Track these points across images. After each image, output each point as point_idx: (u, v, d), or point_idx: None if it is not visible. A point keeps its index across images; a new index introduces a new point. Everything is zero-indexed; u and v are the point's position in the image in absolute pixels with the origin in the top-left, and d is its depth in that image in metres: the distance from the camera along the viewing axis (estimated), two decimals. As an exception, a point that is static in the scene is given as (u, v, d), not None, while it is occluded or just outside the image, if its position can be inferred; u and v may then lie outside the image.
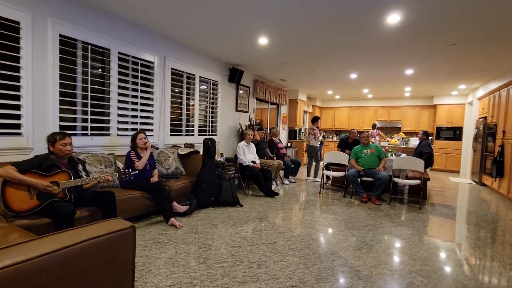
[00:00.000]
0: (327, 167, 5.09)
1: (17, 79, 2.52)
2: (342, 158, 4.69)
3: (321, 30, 3.44)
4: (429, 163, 4.79)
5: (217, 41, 4.07)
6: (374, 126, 8.12)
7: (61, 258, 0.86)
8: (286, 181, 5.41)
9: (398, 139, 7.76)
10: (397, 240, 2.77)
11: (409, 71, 5.41)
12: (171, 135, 4.26)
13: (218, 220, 3.13)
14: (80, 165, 2.38)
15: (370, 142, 4.64)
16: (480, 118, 6.54)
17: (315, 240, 2.70)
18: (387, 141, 7.74)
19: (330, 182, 5.53)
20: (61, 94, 2.85)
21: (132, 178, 2.59)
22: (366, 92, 8.13)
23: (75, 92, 3.02)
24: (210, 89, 5.03)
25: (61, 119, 2.87)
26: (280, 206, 3.80)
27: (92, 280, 0.94)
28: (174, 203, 3.08)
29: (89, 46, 3.07)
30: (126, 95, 3.55)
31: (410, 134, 8.78)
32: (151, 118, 3.91)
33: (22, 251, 0.83)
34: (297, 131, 8.27)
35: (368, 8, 2.83)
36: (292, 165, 5.48)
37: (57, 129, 2.78)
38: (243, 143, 4.57)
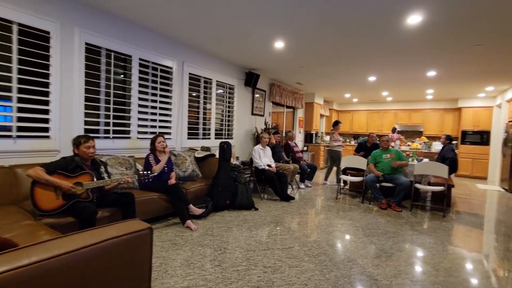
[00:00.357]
0: (345, 171, 4.98)
1: (47, 85, 2.68)
2: (360, 162, 4.57)
3: (338, 33, 3.40)
4: (452, 168, 4.56)
5: (233, 46, 4.12)
6: (394, 130, 7.86)
7: (83, 256, 0.90)
8: (302, 185, 5.35)
9: (419, 144, 7.46)
10: (419, 249, 2.64)
11: (431, 73, 5.20)
12: (188, 138, 4.34)
13: (233, 223, 3.14)
14: (102, 167, 2.48)
15: (390, 147, 4.50)
16: (510, 121, 6.16)
17: (332, 247, 2.64)
18: (408, 145, 7.46)
19: (347, 187, 5.40)
20: (86, 99, 2.99)
21: (150, 180, 2.66)
22: (386, 94, 7.90)
23: (98, 97, 3.17)
24: (226, 93, 5.09)
25: (86, 122, 3.02)
26: (295, 211, 3.76)
27: (112, 279, 0.97)
28: (191, 205, 3.13)
29: (112, 53, 3.22)
30: (146, 100, 3.67)
31: (433, 138, 8.42)
32: (169, 122, 4.01)
33: (48, 248, 0.87)
34: (314, 135, 8.17)
35: (387, 9, 2.76)
36: (308, 169, 5.40)
37: (82, 132, 2.92)
38: (258, 146, 4.58)
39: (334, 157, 5.75)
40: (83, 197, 2.20)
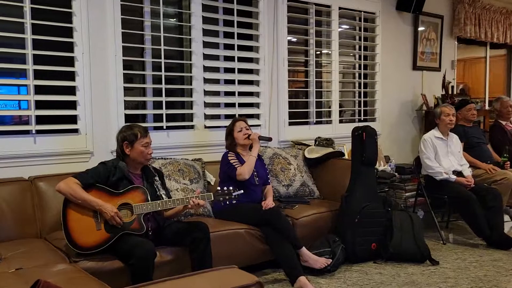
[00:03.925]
0: None
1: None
2: None
3: None
4: None
5: None
6: None
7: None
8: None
9: None
10: None
11: None
12: (290, 124, 4.52)
13: (388, 288, 3.12)
14: (157, 178, 2.84)
15: None
16: None
17: None
18: None
19: None
20: (124, 65, 3.53)
21: (234, 202, 2.90)
22: None
23: (142, 59, 3.69)
24: (359, 30, 5.06)
25: (126, 104, 3.55)
26: (527, 271, 3.43)
27: None
28: (303, 249, 3.25)
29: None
30: (216, 58, 4.01)
31: None
32: (256, 95, 4.27)
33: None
34: None
35: None
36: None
37: (122, 121, 3.45)
38: (433, 134, 4.38)
39: None
40: (132, 228, 2.59)
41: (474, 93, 7.06)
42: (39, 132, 3.20)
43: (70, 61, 3.31)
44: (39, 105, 3.21)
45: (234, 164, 3.37)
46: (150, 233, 2.67)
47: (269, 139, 3.57)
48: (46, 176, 3.07)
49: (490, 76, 6.95)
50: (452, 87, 5.82)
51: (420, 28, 5.56)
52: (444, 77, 5.77)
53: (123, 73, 3.51)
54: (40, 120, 3.22)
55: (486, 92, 6.86)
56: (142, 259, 2.41)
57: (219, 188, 2.91)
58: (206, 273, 1.26)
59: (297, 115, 4.69)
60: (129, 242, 2.50)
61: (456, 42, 6.08)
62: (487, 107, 6.35)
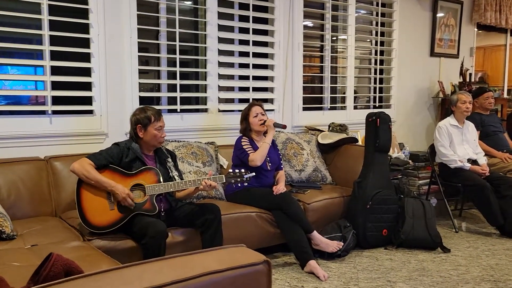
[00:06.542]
0: None
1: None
2: None
3: None
4: None
5: None
6: None
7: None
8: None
9: None
10: None
11: None
12: (304, 109, 4.53)
13: (398, 275, 3.12)
14: (170, 159, 2.88)
15: None
16: None
17: None
18: None
19: None
20: (139, 48, 3.55)
21: (246, 184, 2.92)
22: None
23: (157, 41, 3.70)
24: (376, 15, 5.00)
25: (140, 87, 3.59)
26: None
27: None
28: (315, 233, 3.27)
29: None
30: (231, 41, 4.01)
31: None
32: (271, 79, 4.28)
33: (119, 279, 1.08)
34: None
35: None
36: None
37: (137, 103, 3.49)
38: (448, 122, 4.35)
39: None
40: (144, 208, 2.63)
41: (493, 82, 6.97)
42: (55, 112, 3.28)
43: (86, 43, 3.35)
44: (55, 86, 3.27)
45: (247, 149, 3.39)
46: (162, 214, 2.73)
47: (284, 127, 3.56)
48: (61, 156, 3.14)
49: (510, 64, 6.84)
50: (470, 74, 5.75)
51: (439, 14, 5.49)
52: (462, 64, 5.70)
53: (138, 56, 3.54)
54: (56, 100, 3.28)
55: (505, 80, 6.76)
56: (154, 239, 2.46)
57: (231, 170, 2.94)
58: (214, 251, 1.26)
59: (311, 101, 4.68)
60: (142, 222, 2.55)
61: (475, 29, 5.99)
62: (505, 96, 6.26)
